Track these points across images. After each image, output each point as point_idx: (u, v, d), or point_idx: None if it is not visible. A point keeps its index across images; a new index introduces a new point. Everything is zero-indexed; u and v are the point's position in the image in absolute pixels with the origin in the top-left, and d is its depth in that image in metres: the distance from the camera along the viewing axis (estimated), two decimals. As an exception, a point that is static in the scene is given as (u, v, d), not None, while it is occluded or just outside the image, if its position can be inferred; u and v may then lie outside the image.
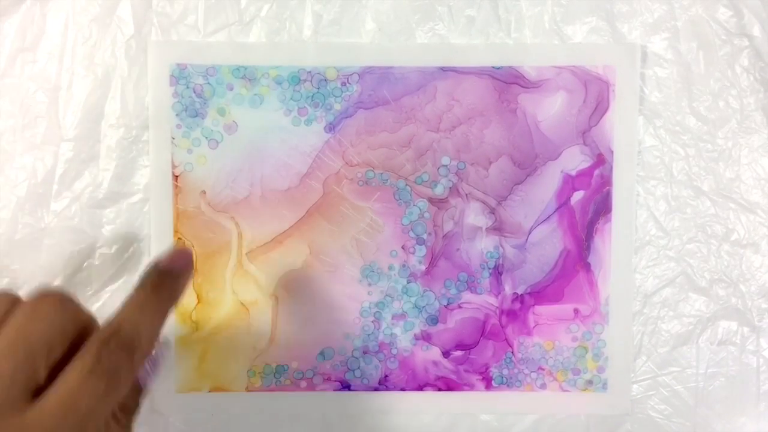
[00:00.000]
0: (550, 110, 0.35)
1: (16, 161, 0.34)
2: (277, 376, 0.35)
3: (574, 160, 0.35)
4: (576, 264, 0.35)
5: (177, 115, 0.34)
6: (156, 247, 0.34)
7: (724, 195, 0.36)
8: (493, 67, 0.35)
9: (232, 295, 0.35)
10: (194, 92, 0.34)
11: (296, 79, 0.34)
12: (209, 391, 0.35)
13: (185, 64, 0.34)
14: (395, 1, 0.35)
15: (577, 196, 0.35)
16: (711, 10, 0.35)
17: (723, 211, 0.36)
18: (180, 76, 0.34)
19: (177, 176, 0.34)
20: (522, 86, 0.35)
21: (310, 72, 0.34)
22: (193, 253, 0.35)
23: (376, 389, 0.36)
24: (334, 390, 0.35)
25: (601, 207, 0.35)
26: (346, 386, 0.35)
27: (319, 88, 0.34)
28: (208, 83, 0.34)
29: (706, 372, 0.36)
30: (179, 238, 0.35)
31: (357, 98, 0.34)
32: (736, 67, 0.35)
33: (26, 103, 0.34)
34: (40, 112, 0.34)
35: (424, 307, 0.35)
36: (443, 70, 0.35)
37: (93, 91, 0.34)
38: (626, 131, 0.35)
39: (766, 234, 0.36)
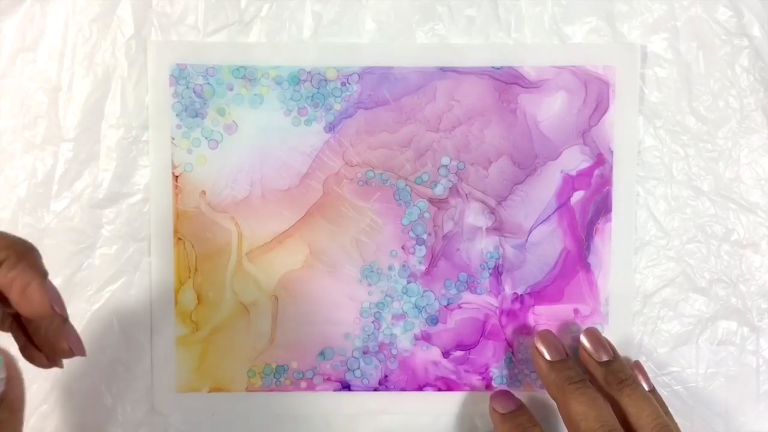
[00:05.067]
0: (550, 110, 0.35)
1: (16, 161, 0.34)
2: (277, 376, 0.35)
3: (574, 160, 0.35)
4: (576, 264, 0.35)
5: (177, 115, 0.34)
6: (156, 247, 0.34)
7: (724, 195, 0.36)
8: (493, 68, 0.35)
9: (232, 295, 0.35)
10: (194, 92, 0.34)
11: (296, 79, 0.34)
12: (209, 391, 0.35)
13: (185, 64, 0.34)
14: (395, 1, 0.35)
15: (577, 196, 0.35)
16: (711, 10, 0.35)
17: (723, 211, 0.36)
18: (180, 76, 0.34)
19: (177, 176, 0.34)
20: (522, 86, 0.35)
21: (310, 72, 0.34)
22: (194, 254, 0.35)
23: (376, 389, 0.35)
24: (334, 390, 0.35)
25: (601, 207, 0.35)
26: (346, 386, 0.35)
27: (319, 88, 0.34)
28: (208, 83, 0.34)
29: (706, 372, 0.36)
30: (179, 239, 0.35)
31: (357, 98, 0.34)
32: (736, 67, 0.35)
33: (26, 103, 0.34)
34: (40, 112, 0.34)
35: (424, 307, 0.35)
36: (443, 70, 0.34)
37: (93, 91, 0.34)
38: (626, 131, 0.35)
39: (766, 234, 0.36)
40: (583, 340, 0.33)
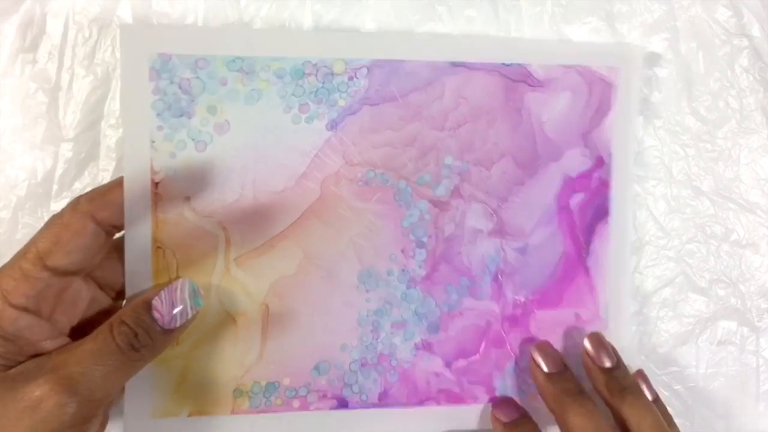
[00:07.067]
0: (554, 110, 0.34)
1: (16, 161, 0.34)
2: (267, 395, 0.32)
3: (575, 162, 0.34)
4: (575, 268, 0.35)
5: (158, 115, 0.30)
6: (131, 259, 0.30)
7: (723, 195, 0.36)
8: (503, 64, 0.33)
9: (217, 304, 0.31)
10: (180, 88, 0.30)
11: (300, 72, 0.31)
12: (189, 416, 0.31)
13: (169, 54, 0.30)
14: (395, 1, 0.35)
15: (577, 198, 0.35)
16: (711, 10, 0.35)
17: (723, 211, 0.36)
18: (163, 69, 0.30)
19: (157, 183, 0.31)
20: (529, 85, 0.34)
21: (315, 65, 0.32)
22: (175, 263, 0.31)
23: (375, 406, 0.33)
24: (331, 409, 0.33)
25: (599, 210, 0.35)
26: (343, 404, 0.33)
27: (324, 83, 0.32)
28: (198, 77, 0.30)
29: (706, 372, 0.36)
30: (158, 247, 0.31)
31: (364, 94, 0.32)
32: (735, 67, 0.35)
33: (26, 103, 0.34)
34: (40, 112, 0.34)
35: (424, 314, 0.33)
36: (454, 65, 0.33)
37: (93, 91, 0.34)
38: (625, 134, 0.34)
39: (766, 234, 0.36)
40: (587, 344, 0.33)
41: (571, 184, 0.35)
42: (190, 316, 0.28)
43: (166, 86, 0.30)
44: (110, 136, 0.34)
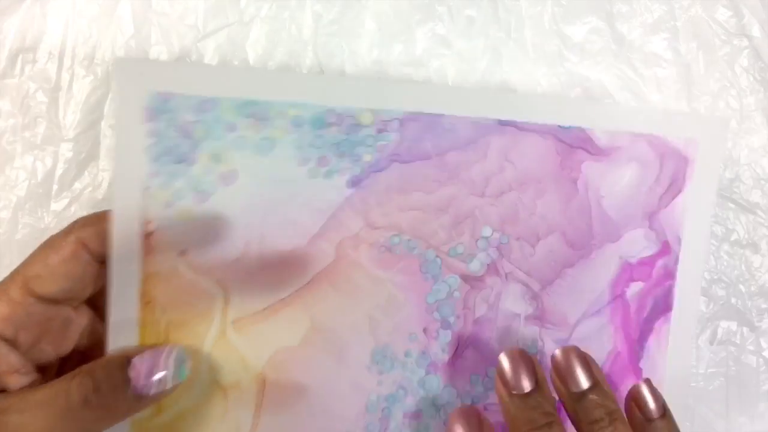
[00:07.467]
0: (616, 184, 0.30)
1: (16, 161, 0.34)
2: None
3: (636, 246, 0.30)
4: (625, 369, 0.30)
5: (154, 160, 0.27)
6: (116, 312, 0.27)
7: (723, 195, 0.36)
8: (559, 126, 0.29)
9: (208, 372, 0.28)
10: (180, 132, 0.27)
11: (321, 121, 0.28)
12: None
13: (170, 93, 0.26)
14: (395, 1, 0.35)
15: (635, 288, 0.30)
16: (711, 10, 0.35)
17: (723, 211, 0.36)
18: (161, 109, 0.26)
19: (149, 233, 0.27)
20: (589, 152, 0.30)
21: (340, 114, 0.28)
22: (164, 320, 0.28)
23: None
24: None
25: (661, 304, 0.31)
26: None
27: (348, 135, 0.28)
28: (201, 121, 0.27)
29: (706, 372, 0.36)
30: (147, 302, 0.27)
31: (393, 149, 0.28)
32: (735, 68, 0.35)
33: (26, 103, 0.34)
34: (40, 112, 0.34)
35: (443, 406, 0.29)
36: (502, 123, 0.29)
37: (93, 91, 0.34)
38: (699, 219, 0.30)
39: (766, 234, 0.36)
40: (556, 359, 0.26)
41: (629, 271, 0.30)
42: (169, 386, 0.24)
43: (163, 129, 0.27)
44: (110, 136, 0.34)
